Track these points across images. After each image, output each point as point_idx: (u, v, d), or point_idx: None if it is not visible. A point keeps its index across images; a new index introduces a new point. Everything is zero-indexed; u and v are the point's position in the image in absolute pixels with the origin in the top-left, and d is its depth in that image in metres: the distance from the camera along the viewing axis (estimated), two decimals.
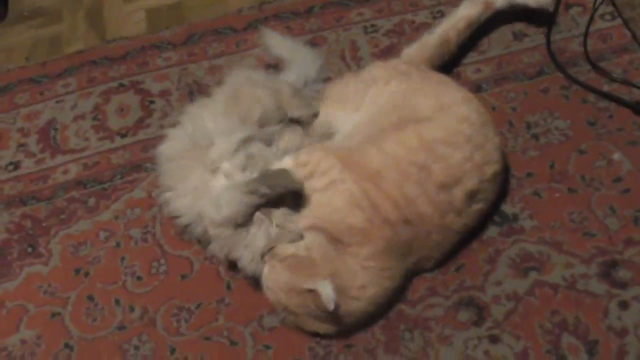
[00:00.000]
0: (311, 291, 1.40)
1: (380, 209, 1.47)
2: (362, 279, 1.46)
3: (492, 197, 1.57)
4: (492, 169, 1.53)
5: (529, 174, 1.69)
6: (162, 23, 2.25)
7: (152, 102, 2.04)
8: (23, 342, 1.64)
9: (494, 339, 1.48)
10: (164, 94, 2.05)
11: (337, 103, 1.74)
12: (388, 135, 1.55)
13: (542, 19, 1.94)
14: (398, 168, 1.50)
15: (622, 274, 1.52)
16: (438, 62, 1.83)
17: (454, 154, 1.50)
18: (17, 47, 2.30)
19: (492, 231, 1.62)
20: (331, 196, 1.50)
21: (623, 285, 1.51)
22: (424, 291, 1.56)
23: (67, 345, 1.62)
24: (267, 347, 1.55)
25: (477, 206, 1.54)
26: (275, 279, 1.48)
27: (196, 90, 2.03)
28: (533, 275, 1.55)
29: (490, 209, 1.60)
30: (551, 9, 1.92)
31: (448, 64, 1.88)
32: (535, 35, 1.95)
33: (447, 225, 1.51)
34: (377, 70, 1.75)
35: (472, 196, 1.51)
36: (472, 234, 1.60)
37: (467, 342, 1.49)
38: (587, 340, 1.45)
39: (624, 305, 1.48)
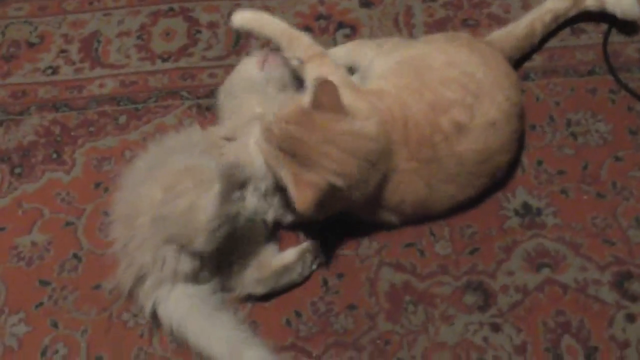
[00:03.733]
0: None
1: (386, 103, 1.54)
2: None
3: (485, 144, 1.54)
4: (484, 117, 1.53)
5: (561, 171, 1.68)
6: None
7: (199, 31, 2.03)
8: (34, 244, 1.66)
9: (495, 327, 1.48)
10: (212, 25, 2.04)
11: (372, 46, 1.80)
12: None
13: (603, 19, 1.91)
14: (396, 88, 1.58)
15: (635, 287, 1.51)
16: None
17: (445, 91, 1.54)
18: None
19: (513, 221, 1.61)
20: None
21: (634, 298, 1.50)
22: (435, 267, 1.56)
23: (75, 256, 1.63)
24: (269, 296, 1.55)
25: (469, 146, 1.52)
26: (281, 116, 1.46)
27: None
28: (546, 272, 1.54)
29: (490, 164, 1.57)
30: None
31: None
32: (593, 34, 1.91)
33: (438, 149, 1.51)
34: (434, 35, 1.82)
35: (459, 129, 1.52)
36: (478, 194, 1.61)
37: (468, 325, 1.49)
38: (588, 346, 1.45)
39: (630, 318, 1.47)
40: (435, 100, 1.53)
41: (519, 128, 1.62)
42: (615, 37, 1.90)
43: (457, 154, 1.52)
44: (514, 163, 1.66)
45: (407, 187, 1.53)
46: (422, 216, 1.60)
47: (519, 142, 1.65)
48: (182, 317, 1.47)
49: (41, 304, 1.57)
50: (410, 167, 1.51)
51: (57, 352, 1.51)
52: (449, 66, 1.60)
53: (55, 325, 1.55)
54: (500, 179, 1.64)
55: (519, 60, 1.85)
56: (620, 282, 1.52)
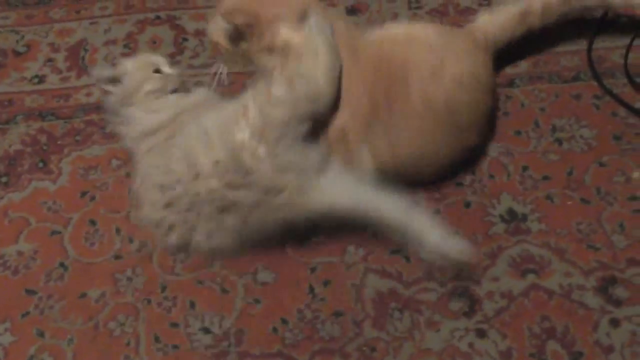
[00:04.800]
0: None
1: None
2: None
3: (453, 96, 1.56)
4: (452, 70, 1.57)
5: (545, 177, 1.68)
6: None
7: (185, 39, 2.03)
8: (20, 253, 1.66)
9: (480, 333, 1.48)
10: (199, 34, 2.04)
11: None
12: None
13: (589, 24, 1.92)
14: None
15: (620, 292, 1.51)
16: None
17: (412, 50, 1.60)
18: None
19: (498, 227, 1.61)
20: None
21: (618, 303, 1.50)
22: (420, 274, 1.56)
23: (62, 265, 1.63)
24: (257, 301, 1.55)
25: (439, 93, 1.55)
26: None
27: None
28: (531, 277, 1.55)
29: (456, 119, 1.59)
30: None
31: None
32: (578, 39, 1.92)
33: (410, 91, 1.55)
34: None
35: (433, 73, 1.56)
36: (447, 161, 1.63)
37: (454, 331, 1.49)
38: (572, 351, 1.45)
39: (615, 322, 1.48)
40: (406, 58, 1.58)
41: (487, 101, 1.64)
42: (600, 43, 1.90)
43: (427, 96, 1.55)
44: (482, 149, 1.70)
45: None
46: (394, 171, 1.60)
47: (488, 120, 1.68)
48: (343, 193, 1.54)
49: (27, 313, 1.57)
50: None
51: None
52: (411, 40, 1.63)
53: (41, 334, 1.55)
54: (467, 155, 1.67)
55: (503, 66, 1.86)
56: (604, 287, 1.52)
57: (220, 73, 1.72)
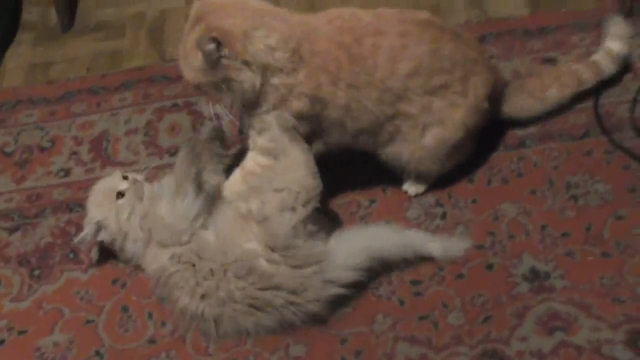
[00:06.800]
0: None
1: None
2: None
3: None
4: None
5: (564, 234, 1.71)
6: None
7: (202, 124, 2.08)
8: (56, 344, 1.69)
9: None
10: (216, 117, 2.08)
11: None
12: None
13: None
14: None
15: None
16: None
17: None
18: (79, 58, 2.38)
19: (522, 287, 1.63)
20: None
21: None
22: (449, 339, 1.58)
23: (97, 353, 1.66)
24: None
25: None
26: None
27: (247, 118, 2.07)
28: (559, 335, 1.56)
29: None
30: None
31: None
32: (583, 97, 1.95)
33: None
34: None
35: None
36: None
37: None
38: None
39: None
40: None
41: None
42: (606, 99, 1.93)
43: None
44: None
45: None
46: None
47: None
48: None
49: None
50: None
51: None
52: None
53: None
54: None
55: (513, 128, 1.91)
56: (634, 340, 1.53)
57: (215, 111, 1.77)
